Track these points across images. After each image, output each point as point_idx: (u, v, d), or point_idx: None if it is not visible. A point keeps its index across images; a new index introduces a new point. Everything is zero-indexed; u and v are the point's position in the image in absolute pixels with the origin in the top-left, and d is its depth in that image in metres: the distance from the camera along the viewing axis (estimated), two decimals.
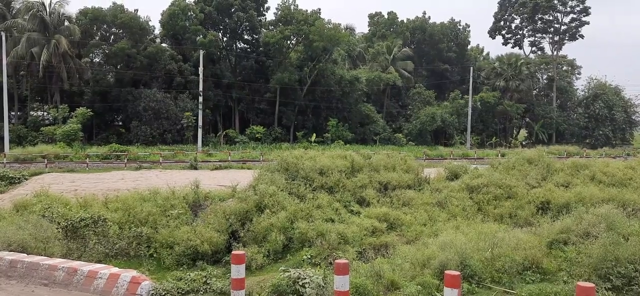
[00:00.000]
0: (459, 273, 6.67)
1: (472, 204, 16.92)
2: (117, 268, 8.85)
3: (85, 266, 8.66)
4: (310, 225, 14.07)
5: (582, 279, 9.27)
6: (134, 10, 53.09)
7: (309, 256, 12.64)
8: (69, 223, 12.51)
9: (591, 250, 9.97)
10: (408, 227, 14.96)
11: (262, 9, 58.33)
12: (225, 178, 20.70)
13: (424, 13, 77.13)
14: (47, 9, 47.63)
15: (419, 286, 8.97)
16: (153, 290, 7.82)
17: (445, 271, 6.54)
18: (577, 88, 76.88)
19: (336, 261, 7.31)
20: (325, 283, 8.17)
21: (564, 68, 75.17)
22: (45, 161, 27.29)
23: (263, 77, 56.24)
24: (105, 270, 8.41)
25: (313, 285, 8.06)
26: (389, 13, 74.01)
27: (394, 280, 9.04)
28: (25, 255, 9.76)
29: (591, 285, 5.61)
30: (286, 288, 8.27)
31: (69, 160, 30.20)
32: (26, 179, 22.35)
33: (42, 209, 14.51)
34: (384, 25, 73.02)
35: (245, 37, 58.86)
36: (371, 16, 76.50)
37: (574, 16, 67.74)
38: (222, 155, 33.48)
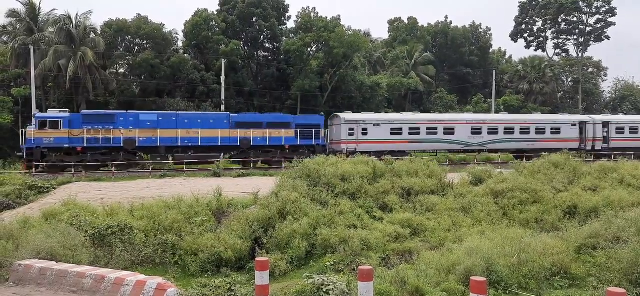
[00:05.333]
0: (485, 279, 6.59)
1: (497, 209, 16.72)
2: (143, 275, 8.95)
3: (112, 274, 8.78)
4: (333, 231, 14.07)
5: (612, 285, 9.07)
6: (161, 24, 53.96)
7: (332, 263, 12.63)
8: (96, 231, 12.73)
9: (621, 254, 9.75)
10: (432, 233, 14.84)
11: (283, 18, 58.74)
12: (248, 185, 20.83)
13: (446, 17, 76.67)
14: (73, 22, 48.74)
15: (444, 293, 8.89)
16: None
17: (471, 278, 6.46)
18: (604, 91, 75.41)
19: (360, 267, 7.29)
20: (349, 290, 8.15)
21: (590, 70, 73.76)
22: (73, 170, 27.85)
23: (284, 84, 56.53)
24: (132, 277, 8.50)
25: (337, 292, 8.04)
26: (409, 18, 73.73)
27: (419, 287, 8.98)
28: (54, 262, 9.94)
29: (622, 290, 5.47)
30: (310, 294, 8.27)
31: (94, 170, 30.77)
32: (54, 188, 22.81)
33: (70, 217, 14.79)
34: (404, 31, 72.76)
35: (267, 45, 59.32)
36: (391, 22, 76.31)
37: (600, 17, 66.43)
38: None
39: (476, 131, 37.94)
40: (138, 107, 46.29)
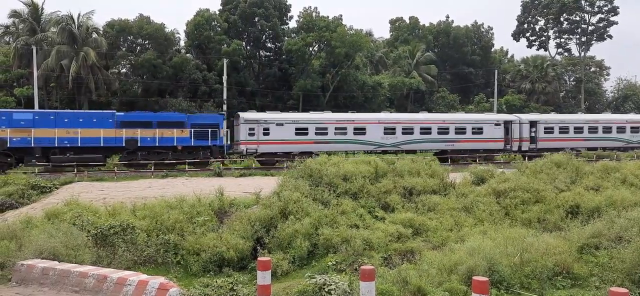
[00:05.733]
0: (487, 279, 6.58)
1: (499, 209, 16.69)
2: (145, 275, 8.96)
3: (114, 274, 8.80)
4: (335, 231, 14.07)
5: (615, 284, 9.05)
6: (161, 24, 54.05)
7: (334, 263, 12.63)
8: (99, 231, 12.75)
9: (624, 254, 9.74)
10: (434, 233, 14.83)
11: (285, 18, 58.80)
12: (250, 185, 20.84)
13: (447, 17, 76.58)
14: (76, 22, 48.85)
15: (446, 293, 8.88)
16: None
17: (473, 277, 6.47)
18: (606, 90, 75.28)
19: (362, 267, 7.29)
20: (351, 290, 8.16)
21: (592, 69, 73.63)
22: (75, 170, 27.90)
23: (286, 84, 56.56)
24: (134, 277, 8.52)
25: (339, 292, 8.04)
26: (410, 18, 73.70)
27: (421, 286, 8.97)
28: (56, 262, 9.96)
29: (625, 290, 5.46)
30: (312, 294, 8.28)
31: (97, 170, 30.83)
32: (57, 188, 22.85)
33: (73, 217, 14.82)
34: (405, 30, 72.72)
35: (268, 45, 59.37)
36: (392, 21, 76.27)
37: (602, 16, 66.28)
38: (246, 162, 33.75)
39: (389, 131, 36.43)
40: (140, 107, 46.39)
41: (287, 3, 58.95)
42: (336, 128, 35.57)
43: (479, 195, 17.76)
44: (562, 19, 67.94)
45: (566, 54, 71.71)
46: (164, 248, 13.62)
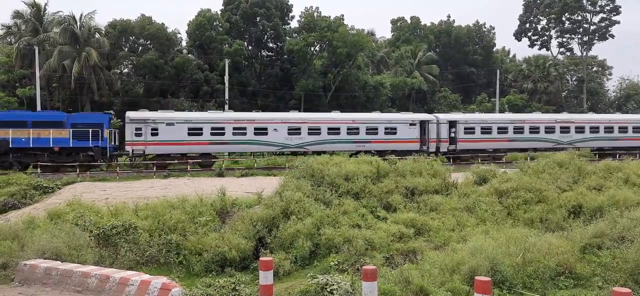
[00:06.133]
0: (490, 279, 6.58)
1: (501, 209, 16.67)
2: (147, 275, 8.98)
3: (117, 274, 8.81)
4: (337, 231, 14.07)
5: (617, 284, 9.04)
6: (162, 24, 54.14)
7: (336, 263, 12.63)
8: (101, 231, 12.78)
9: (627, 254, 9.73)
10: (436, 233, 14.81)
11: (286, 18, 58.81)
12: (252, 185, 20.85)
13: (449, 16, 76.54)
14: (78, 23, 48.94)
15: (449, 293, 8.87)
16: None
17: (476, 277, 6.46)
18: (608, 90, 75.11)
19: (364, 267, 7.29)
20: (353, 290, 8.16)
21: (594, 69, 73.49)
22: (77, 170, 27.93)
23: (287, 84, 56.57)
24: (137, 277, 8.53)
25: (341, 292, 8.04)
26: (411, 18, 73.65)
27: (423, 286, 8.97)
28: (59, 262, 9.98)
29: (627, 290, 5.45)
30: (314, 294, 8.28)
31: (99, 170, 30.87)
32: (59, 188, 22.89)
33: (75, 217, 14.86)
34: (407, 30, 72.67)
35: (270, 45, 59.39)
36: (394, 21, 76.22)
37: (604, 15, 66.13)
38: (248, 162, 33.73)
39: (294, 131, 34.70)
40: (142, 106, 46.51)
41: (289, 3, 58.96)
42: (234, 129, 33.73)
43: (481, 195, 17.74)
44: (564, 19, 67.80)
45: (568, 53, 71.58)
46: (166, 248, 13.63)
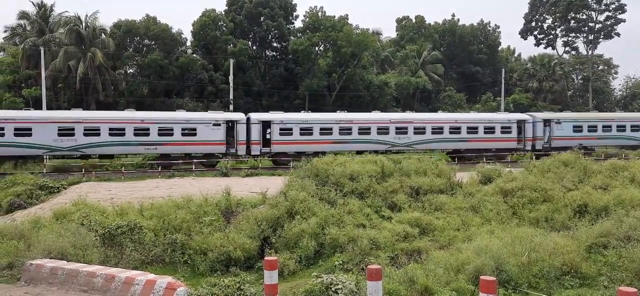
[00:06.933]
0: (495, 278, 6.57)
1: (506, 208, 16.61)
2: (153, 274, 9.01)
3: (122, 273, 8.85)
4: (342, 230, 14.07)
5: (623, 284, 9.00)
6: (166, 24, 54.32)
7: (341, 262, 12.62)
8: (106, 230, 12.82)
9: (633, 254, 9.68)
10: (441, 232, 14.78)
11: (290, 17, 58.85)
12: (256, 185, 20.88)
13: (453, 15, 76.36)
14: (83, 23, 49.16)
15: (454, 292, 8.86)
16: None
17: (481, 277, 6.45)
18: (614, 89, 74.78)
19: (369, 267, 7.29)
20: (358, 289, 8.15)
21: (600, 68, 73.15)
22: (83, 171, 28.04)
23: (292, 84, 56.60)
24: (142, 276, 8.57)
25: (346, 291, 8.04)
26: (416, 17, 73.54)
27: (428, 286, 8.96)
28: (65, 262, 10.03)
29: (634, 290, 5.43)
30: (319, 294, 8.28)
31: (105, 170, 30.98)
32: (65, 188, 22.99)
33: (81, 217, 14.91)
34: (412, 29, 72.58)
35: (274, 44, 59.48)
36: (399, 20, 76.16)
37: (609, 14, 65.80)
38: (253, 162, 33.78)
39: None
40: (147, 107, 46.64)
41: (293, 3, 59.00)
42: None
43: (486, 194, 17.69)
44: (569, 17, 67.49)
45: (574, 52, 71.28)
46: (171, 248, 13.67)
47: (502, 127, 37.87)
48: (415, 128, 36.26)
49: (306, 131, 34.29)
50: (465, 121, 37.94)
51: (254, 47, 58.78)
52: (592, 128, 39.36)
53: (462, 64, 71.93)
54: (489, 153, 36.09)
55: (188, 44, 57.92)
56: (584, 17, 66.79)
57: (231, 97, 46.63)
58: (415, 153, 33.95)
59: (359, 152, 33.27)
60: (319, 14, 57.18)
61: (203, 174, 28.48)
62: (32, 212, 18.79)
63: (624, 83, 72.82)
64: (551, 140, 38.30)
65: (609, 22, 66.00)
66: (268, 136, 33.80)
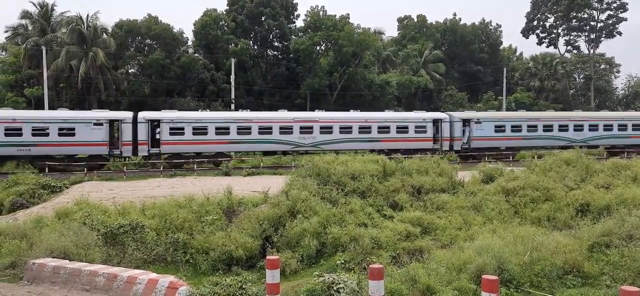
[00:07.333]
0: (497, 277, 6.56)
1: (508, 207, 16.59)
2: (155, 273, 9.03)
3: (124, 272, 8.86)
4: (343, 229, 14.07)
5: (626, 283, 8.98)
6: (167, 23, 54.39)
7: (343, 261, 12.62)
8: (109, 230, 12.84)
9: (635, 253, 9.67)
10: (443, 231, 14.78)
11: (291, 17, 58.88)
12: (258, 184, 20.88)
13: (454, 14, 76.35)
14: (85, 23, 49.22)
15: (456, 291, 8.85)
16: (190, 295, 7.94)
17: (483, 276, 6.45)
18: (616, 88, 74.66)
19: (371, 266, 7.29)
20: (360, 288, 8.14)
21: (602, 67, 73.06)
22: (85, 170, 28.07)
23: (293, 83, 56.62)
24: (144, 275, 8.58)
25: (348, 290, 8.03)
26: (418, 16, 73.51)
27: (430, 285, 8.95)
28: (67, 261, 10.05)
29: (636, 289, 5.43)
30: (321, 293, 8.27)
31: (106, 169, 31.00)
32: (67, 188, 23.01)
33: (83, 217, 14.94)
34: (413, 28, 72.56)
35: (276, 44, 59.50)
36: (400, 19, 76.14)
37: (611, 13, 65.71)
38: (254, 161, 33.76)
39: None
40: (148, 106, 46.69)
41: (294, 2, 59.00)
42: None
43: (488, 193, 17.67)
44: (571, 16, 67.39)
45: (575, 51, 71.19)
46: (173, 247, 13.68)
47: (416, 127, 35.75)
48: (321, 128, 34.04)
49: (200, 131, 31.88)
50: (376, 120, 35.57)
51: (255, 47, 58.81)
52: (516, 129, 37.37)
53: (463, 63, 71.88)
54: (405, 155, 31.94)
55: (189, 43, 57.99)
56: (586, 15, 66.71)
57: (232, 96, 46.65)
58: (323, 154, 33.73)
59: (267, 153, 33.39)
60: (320, 13, 57.20)
61: (205, 174, 28.52)
62: (34, 211, 18.82)
63: (626, 82, 72.77)
64: (471, 141, 36.47)
65: (610, 21, 65.93)
66: (157, 136, 31.52)
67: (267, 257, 8.48)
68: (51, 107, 41.68)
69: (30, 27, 51.35)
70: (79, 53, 46.88)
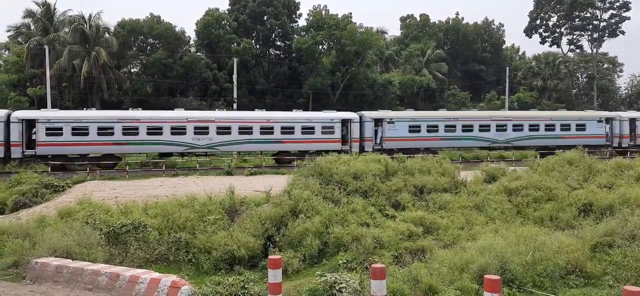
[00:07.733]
0: (499, 277, 6.55)
1: (510, 207, 16.55)
2: (157, 273, 9.05)
3: (127, 272, 8.89)
4: (345, 229, 14.05)
5: (629, 283, 8.96)
6: (170, 23, 54.48)
7: (345, 261, 12.60)
8: (111, 229, 12.85)
9: (638, 253, 9.64)
10: (445, 231, 14.74)
11: (294, 16, 58.91)
12: (260, 183, 20.90)
13: (457, 14, 76.26)
14: (87, 22, 49.32)
15: (458, 291, 8.84)
16: (193, 294, 7.96)
17: (485, 276, 6.44)
18: (619, 87, 74.49)
19: (373, 265, 7.29)
20: (362, 288, 8.15)
21: (605, 66, 72.90)
22: (87, 169, 28.13)
23: (296, 82, 56.64)
24: (146, 275, 8.60)
25: (350, 290, 8.03)
26: (420, 15, 73.49)
27: (432, 285, 8.94)
28: (70, 260, 10.08)
29: (638, 289, 5.41)
30: (323, 292, 8.27)
31: (109, 168, 31.09)
32: (70, 187, 23.07)
33: (85, 216, 14.95)
34: (416, 28, 72.52)
35: (278, 43, 59.55)
36: (403, 19, 76.11)
37: (614, 12, 65.56)
38: (256, 160, 33.79)
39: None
40: (151, 105, 46.77)
41: (296, 1, 59.03)
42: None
43: (490, 193, 17.63)
44: (574, 16, 67.25)
45: (578, 50, 71.03)
46: (175, 247, 13.69)
47: (323, 127, 34.26)
48: (218, 128, 32.34)
49: (80, 131, 30.21)
50: (279, 120, 33.95)
51: (258, 46, 58.87)
52: (432, 129, 36.25)
53: (466, 62, 71.80)
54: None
55: (192, 42, 58.08)
56: (589, 15, 66.57)
57: (235, 95, 46.70)
58: (220, 156, 32.99)
59: (165, 155, 32.12)
60: (323, 12, 57.26)
61: (207, 173, 28.57)
62: (37, 210, 18.87)
63: (629, 82, 72.57)
64: (383, 142, 35.31)
65: (613, 20, 65.78)
66: (34, 136, 29.69)
67: (269, 257, 8.49)
68: (54, 107, 41.80)
69: (33, 27, 51.50)
70: (82, 52, 46.98)
